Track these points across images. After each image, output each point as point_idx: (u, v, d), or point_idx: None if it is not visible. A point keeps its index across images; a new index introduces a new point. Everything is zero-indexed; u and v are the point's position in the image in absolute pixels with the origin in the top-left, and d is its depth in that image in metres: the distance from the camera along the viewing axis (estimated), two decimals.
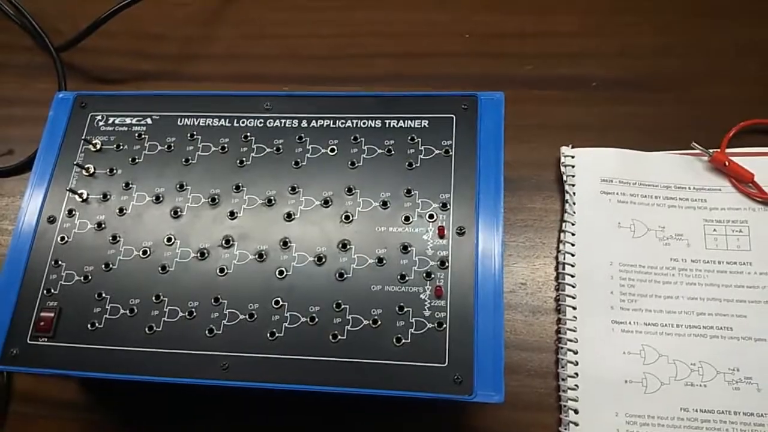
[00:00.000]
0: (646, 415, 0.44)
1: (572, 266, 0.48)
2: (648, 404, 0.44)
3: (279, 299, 0.41)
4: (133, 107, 0.48)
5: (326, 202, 0.43)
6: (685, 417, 0.43)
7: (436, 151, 0.44)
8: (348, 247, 0.42)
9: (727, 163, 0.48)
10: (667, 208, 0.49)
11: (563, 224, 0.49)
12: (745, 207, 0.48)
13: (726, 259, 0.47)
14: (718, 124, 0.51)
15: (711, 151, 0.49)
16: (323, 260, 0.42)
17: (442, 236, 0.41)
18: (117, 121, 0.48)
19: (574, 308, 0.46)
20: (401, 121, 0.45)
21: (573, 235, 0.48)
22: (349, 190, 0.43)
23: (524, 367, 0.46)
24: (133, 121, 0.48)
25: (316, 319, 0.40)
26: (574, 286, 0.47)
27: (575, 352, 0.45)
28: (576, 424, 0.44)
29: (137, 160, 0.46)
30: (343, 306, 0.40)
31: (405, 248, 0.41)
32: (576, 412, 0.44)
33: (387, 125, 0.45)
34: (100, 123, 0.48)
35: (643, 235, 0.48)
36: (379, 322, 0.40)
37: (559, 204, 0.51)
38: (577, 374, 0.45)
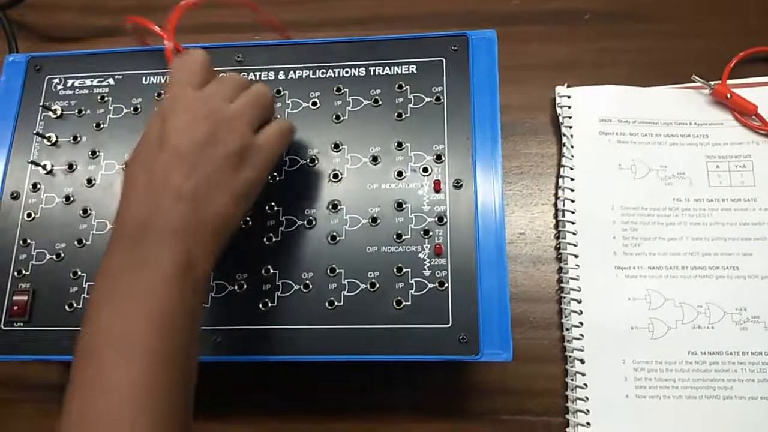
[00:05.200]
0: (653, 361, 0.43)
1: (572, 212, 0.46)
2: (655, 350, 0.43)
3: (269, 267, 0.38)
4: (92, 67, 0.44)
5: (312, 161, 0.40)
6: (693, 360, 0.42)
7: (427, 99, 0.41)
8: (339, 207, 0.39)
9: (729, 96, 0.46)
10: (669, 146, 0.47)
11: (561, 169, 0.47)
12: (749, 141, 0.46)
13: (730, 196, 0.45)
14: (719, 56, 0.48)
15: (712, 83, 0.47)
16: (313, 223, 0.39)
17: (438, 190, 0.39)
18: (76, 84, 0.44)
19: (576, 256, 0.45)
20: (387, 68, 0.42)
21: (572, 180, 0.46)
22: (336, 146, 0.40)
23: (527, 318, 0.45)
24: (94, 83, 0.44)
25: (310, 286, 0.38)
26: (574, 233, 0.45)
27: (579, 301, 0.44)
28: (582, 374, 0.43)
29: (102, 126, 0.43)
30: (337, 271, 0.38)
31: (400, 205, 0.39)
32: (582, 362, 0.43)
33: (372, 73, 0.42)
34: (59, 87, 0.44)
35: (645, 175, 0.46)
36: (377, 286, 0.37)
37: (556, 148, 0.48)
38: (581, 323, 0.44)
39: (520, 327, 0.44)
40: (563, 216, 0.46)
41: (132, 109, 0.43)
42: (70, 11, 0.57)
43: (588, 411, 0.42)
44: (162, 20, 0.56)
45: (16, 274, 0.40)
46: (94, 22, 0.56)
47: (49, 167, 0.42)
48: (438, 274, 0.37)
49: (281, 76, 0.42)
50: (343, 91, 0.41)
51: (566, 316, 0.44)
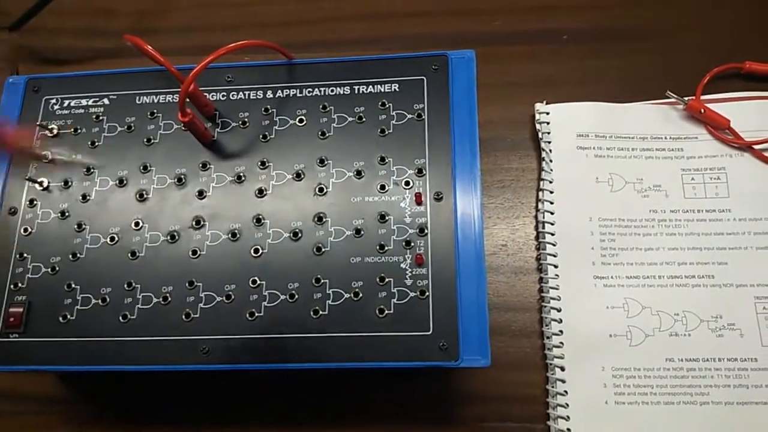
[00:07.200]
0: (632, 368, 0.44)
1: (552, 224, 0.47)
2: (633, 357, 0.44)
3: (256, 278, 0.40)
4: (88, 88, 0.46)
5: (298, 176, 0.42)
6: (670, 367, 0.44)
7: (409, 116, 0.42)
8: (324, 220, 0.41)
9: (702, 111, 0.48)
10: (644, 159, 0.48)
11: (541, 183, 0.49)
12: (722, 154, 0.48)
13: (705, 207, 0.47)
14: (693, 72, 0.50)
15: (686, 99, 0.48)
16: (299, 235, 0.40)
17: (419, 203, 0.40)
18: (72, 104, 0.46)
19: (556, 266, 0.46)
20: (371, 87, 0.44)
21: (551, 193, 0.48)
22: (322, 161, 0.42)
23: (509, 327, 0.46)
24: (90, 103, 0.45)
25: (296, 296, 0.39)
26: (554, 245, 0.47)
27: (558, 310, 0.45)
28: (563, 381, 0.44)
29: (97, 144, 0.44)
30: (322, 281, 0.39)
31: (382, 217, 0.40)
32: (562, 369, 0.44)
33: (356, 91, 0.44)
34: (55, 107, 0.46)
35: (622, 188, 0.47)
36: (361, 295, 0.39)
37: (536, 162, 0.50)
38: (561, 332, 0.45)
39: (503, 336, 0.46)
40: (543, 228, 0.47)
41: (126, 127, 0.44)
42: (69, 34, 0.59)
43: (568, 417, 0.43)
44: (160, 42, 0.58)
45: (12, 287, 0.41)
46: (93, 44, 0.58)
47: (45, 184, 0.43)
48: (419, 283, 0.39)
49: (269, 95, 0.44)
50: (328, 108, 0.43)
51: (547, 325, 0.45)
